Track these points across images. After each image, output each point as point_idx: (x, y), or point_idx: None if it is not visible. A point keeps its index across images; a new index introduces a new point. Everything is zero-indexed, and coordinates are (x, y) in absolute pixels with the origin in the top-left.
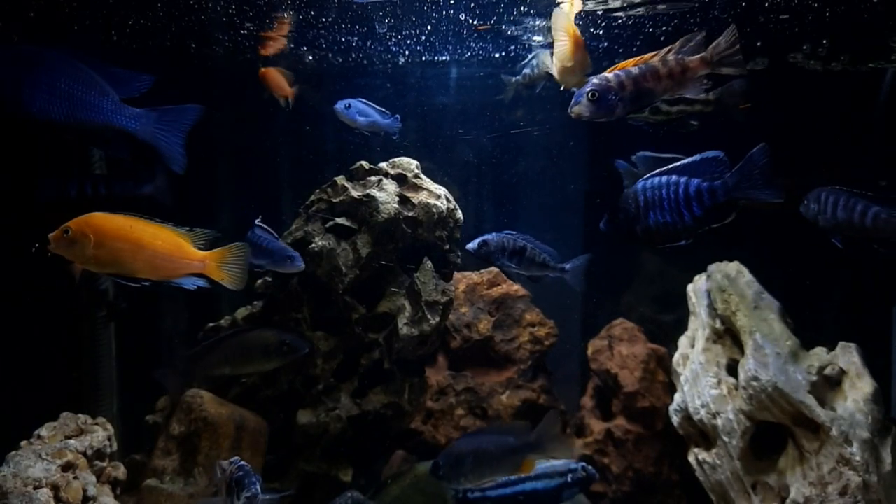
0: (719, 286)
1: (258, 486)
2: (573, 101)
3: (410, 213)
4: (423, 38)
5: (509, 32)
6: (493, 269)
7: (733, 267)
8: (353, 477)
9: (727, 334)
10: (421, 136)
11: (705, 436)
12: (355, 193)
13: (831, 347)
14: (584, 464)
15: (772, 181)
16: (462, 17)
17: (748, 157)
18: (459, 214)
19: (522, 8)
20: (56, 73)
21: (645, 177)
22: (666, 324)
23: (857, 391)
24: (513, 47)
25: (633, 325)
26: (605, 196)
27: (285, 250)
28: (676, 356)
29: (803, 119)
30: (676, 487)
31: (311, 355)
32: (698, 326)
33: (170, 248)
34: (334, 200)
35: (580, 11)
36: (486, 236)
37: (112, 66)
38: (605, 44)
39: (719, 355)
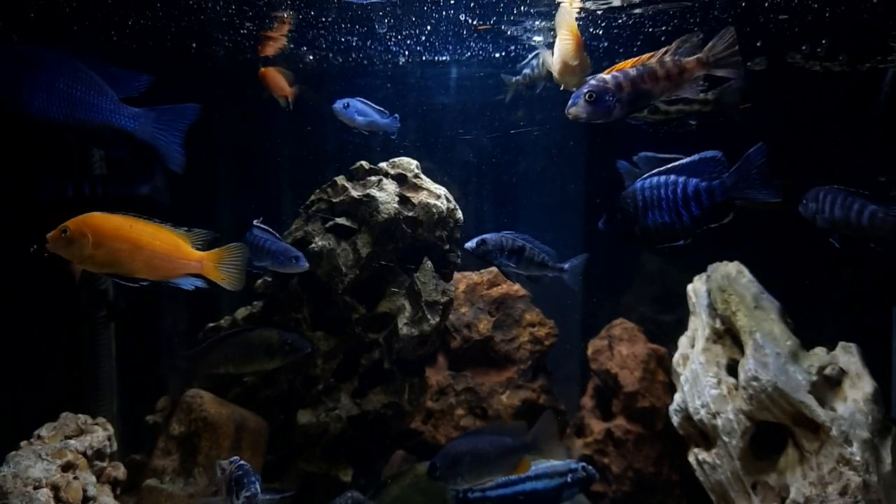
0: (719, 286)
1: (257, 486)
2: (570, 102)
3: (410, 213)
4: (423, 38)
5: (509, 32)
6: (493, 269)
7: (733, 267)
8: (353, 477)
9: (727, 334)
10: (421, 136)
11: (705, 436)
12: (355, 193)
13: (831, 347)
14: (584, 464)
15: (769, 181)
16: (462, 17)
17: (745, 157)
18: (459, 214)
19: (522, 8)
20: (55, 73)
21: (643, 177)
22: (666, 324)
23: (857, 391)
24: (513, 47)
25: (633, 325)
26: (605, 196)
27: (290, 251)
28: (676, 356)
29: (803, 119)
30: (676, 487)
31: (311, 355)
32: (698, 326)
33: (168, 248)
34: (334, 200)
35: (580, 10)
36: (485, 235)
37: (111, 66)
38: (605, 44)
39: (719, 355)
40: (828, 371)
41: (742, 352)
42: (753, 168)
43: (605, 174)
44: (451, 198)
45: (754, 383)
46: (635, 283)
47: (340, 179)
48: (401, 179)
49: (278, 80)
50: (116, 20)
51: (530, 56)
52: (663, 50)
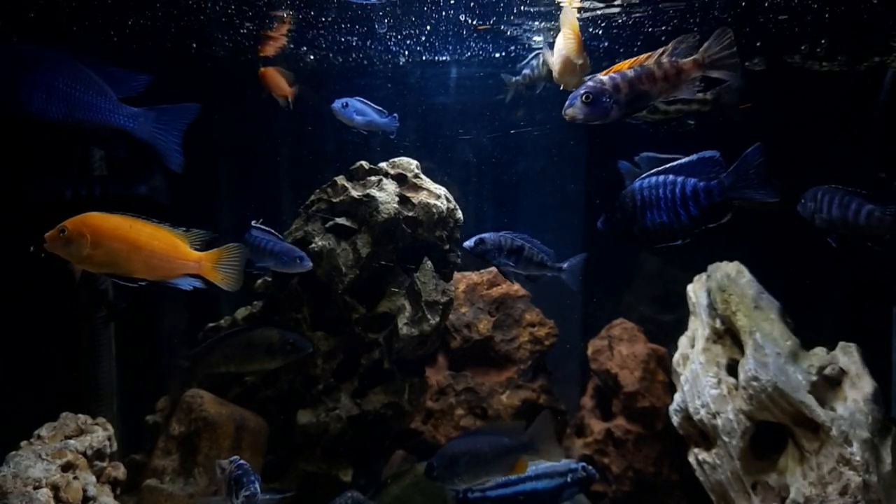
0: (719, 286)
1: (257, 485)
2: (567, 103)
3: (410, 213)
4: (423, 38)
5: (509, 32)
6: (493, 269)
7: (733, 267)
8: (353, 477)
9: (727, 334)
10: (421, 136)
11: (705, 436)
12: (355, 193)
13: (831, 347)
14: (584, 464)
15: (767, 181)
16: (462, 17)
17: (743, 156)
18: (459, 214)
19: (522, 8)
20: (54, 73)
21: (641, 176)
22: (666, 324)
23: (857, 391)
24: (513, 47)
25: (633, 325)
26: (606, 196)
27: (293, 251)
28: (676, 356)
29: (802, 119)
30: (676, 487)
31: (311, 355)
32: (698, 326)
33: (166, 248)
34: (334, 200)
35: (580, 10)
36: (483, 234)
37: (110, 66)
38: (606, 44)
39: (719, 355)
40: (828, 371)
41: (742, 352)
42: (751, 168)
43: (605, 174)
44: (451, 198)
45: (754, 383)
46: (635, 283)
47: (340, 179)
48: (401, 179)
49: (278, 80)
50: (116, 20)
51: (530, 56)
52: (660, 50)
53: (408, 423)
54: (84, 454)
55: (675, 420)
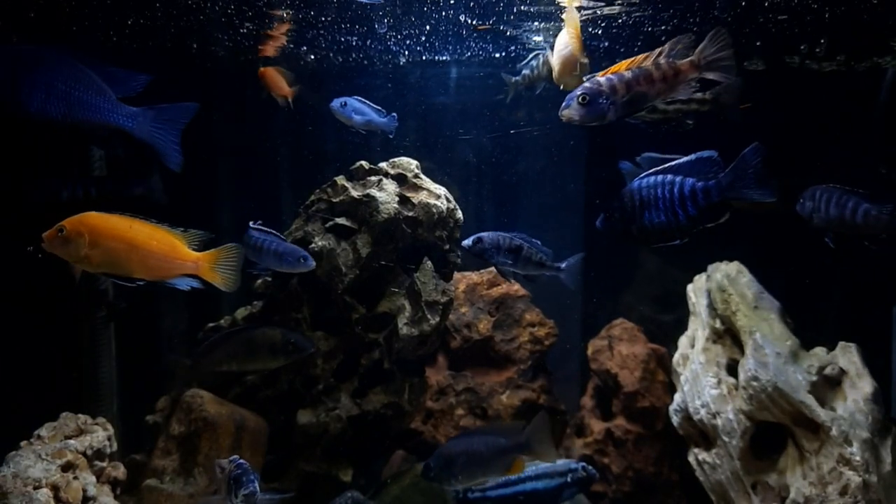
0: (719, 286)
1: (256, 485)
2: (564, 104)
3: (410, 213)
4: (423, 38)
5: (509, 32)
6: (493, 269)
7: (733, 267)
8: (353, 477)
9: (727, 334)
10: (421, 135)
11: (705, 436)
12: (355, 193)
13: (831, 347)
14: (584, 464)
15: (765, 181)
16: (462, 17)
17: (741, 156)
18: (459, 214)
19: (522, 8)
20: (54, 73)
21: (640, 176)
22: (666, 324)
23: (857, 391)
24: (513, 47)
25: (633, 325)
26: (605, 196)
27: (297, 251)
28: (676, 356)
29: (801, 119)
30: (676, 487)
31: (311, 355)
32: (698, 326)
33: (164, 248)
34: (334, 200)
35: (580, 9)
36: (482, 234)
37: (109, 66)
38: (606, 44)
39: (719, 355)
40: (828, 371)
41: (742, 352)
42: (749, 168)
43: (605, 174)
44: (450, 198)
45: (754, 383)
46: (635, 283)
47: (340, 179)
48: (401, 179)
49: (277, 80)
50: (116, 20)
51: (530, 56)
52: (657, 51)
53: (408, 423)
54: (84, 454)
55: (675, 420)
